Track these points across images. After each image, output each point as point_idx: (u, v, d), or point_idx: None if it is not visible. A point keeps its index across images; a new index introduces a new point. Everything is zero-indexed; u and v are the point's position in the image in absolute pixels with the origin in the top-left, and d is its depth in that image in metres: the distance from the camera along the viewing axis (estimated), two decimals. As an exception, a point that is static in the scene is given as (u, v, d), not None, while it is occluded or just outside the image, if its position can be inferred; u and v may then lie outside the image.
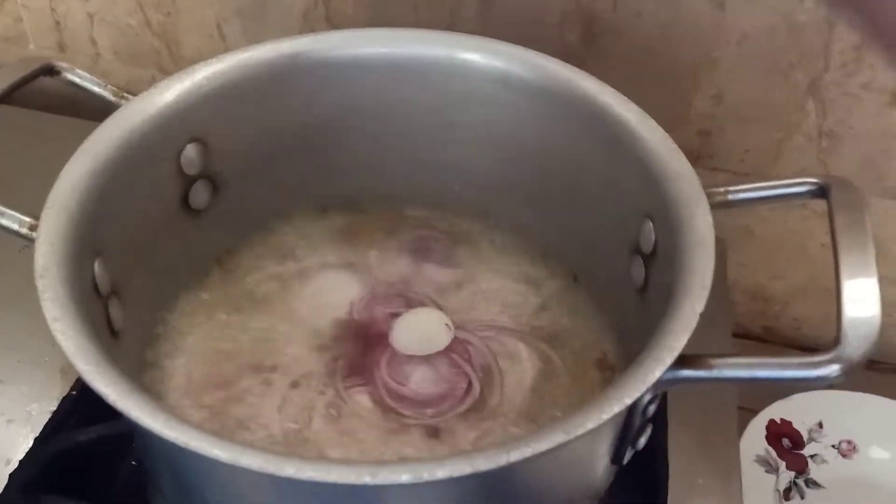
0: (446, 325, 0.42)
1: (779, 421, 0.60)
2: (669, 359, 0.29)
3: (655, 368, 0.28)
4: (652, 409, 0.32)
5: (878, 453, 0.60)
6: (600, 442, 0.32)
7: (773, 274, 0.65)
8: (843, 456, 0.60)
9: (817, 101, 0.55)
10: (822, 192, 0.34)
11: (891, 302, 0.62)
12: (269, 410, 0.40)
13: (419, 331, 0.42)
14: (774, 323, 0.68)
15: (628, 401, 0.27)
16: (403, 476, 0.25)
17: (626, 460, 0.34)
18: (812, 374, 0.29)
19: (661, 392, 0.31)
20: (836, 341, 0.29)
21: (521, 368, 0.42)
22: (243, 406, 0.40)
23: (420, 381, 0.40)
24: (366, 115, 0.45)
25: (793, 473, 0.59)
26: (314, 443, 0.38)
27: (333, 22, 0.59)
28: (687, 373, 0.30)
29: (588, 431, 0.27)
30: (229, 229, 0.45)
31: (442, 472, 0.25)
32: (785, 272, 0.65)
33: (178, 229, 0.42)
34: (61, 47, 0.67)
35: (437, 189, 0.47)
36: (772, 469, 0.58)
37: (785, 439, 0.60)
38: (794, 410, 0.60)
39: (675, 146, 0.38)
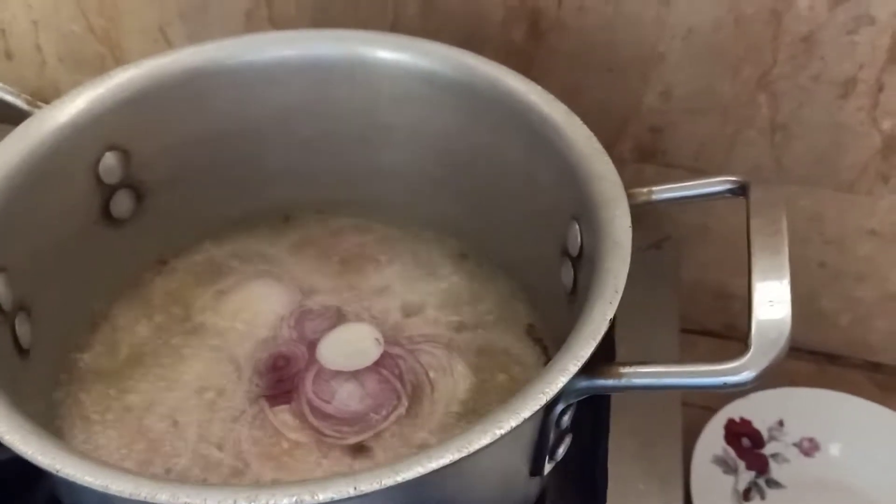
0: (376, 339, 0.41)
1: (738, 420, 0.59)
2: (574, 368, 0.28)
3: (558, 378, 0.27)
4: (566, 419, 0.31)
5: (839, 450, 0.59)
6: (510, 455, 0.31)
7: (732, 271, 0.64)
8: (805, 454, 0.59)
9: (768, 95, 0.54)
10: (742, 190, 0.33)
11: (851, 297, 0.62)
12: (191, 430, 0.39)
13: (347, 345, 0.41)
14: (737, 320, 0.67)
15: (526, 414, 0.26)
16: (283, 500, 0.24)
17: (546, 471, 0.33)
18: (722, 381, 0.27)
19: (575, 401, 0.30)
20: (746, 346, 0.28)
21: (453, 380, 0.41)
22: (163, 425, 0.39)
23: (346, 397, 0.39)
24: (294, 119, 0.44)
25: (753, 473, 0.58)
26: (241, 466, 0.37)
27: (276, 23, 0.58)
28: (595, 382, 0.29)
29: (484, 447, 0.26)
30: (156, 240, 0.44)
31: (323, 494, 0.24)
32: (745, 269, 0.64)
33: (98, 240, 0.41)
34: (8, 55, 0.66)
35: (368, 194, 0.46)
36: (730, 469, 0.57)
37: (744, 438, 0.59)
38: (754, 409, 0.59)
39: (599, 146, 0.37)
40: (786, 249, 0.29)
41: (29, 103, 0.40)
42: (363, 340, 0.42)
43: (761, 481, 0.58)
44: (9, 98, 0.40)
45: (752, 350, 0.27)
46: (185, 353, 0.42)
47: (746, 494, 0.57)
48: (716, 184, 0.34)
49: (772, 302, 0.28)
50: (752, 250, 0.30)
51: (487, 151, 0.41)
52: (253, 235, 0.48)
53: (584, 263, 0.36)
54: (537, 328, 0.43)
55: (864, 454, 0.58)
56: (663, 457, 0.43)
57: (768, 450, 0.59)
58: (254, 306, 0.44)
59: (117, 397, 0.40)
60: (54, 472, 0.24)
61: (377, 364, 0.41)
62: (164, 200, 0.44)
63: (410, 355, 0.41)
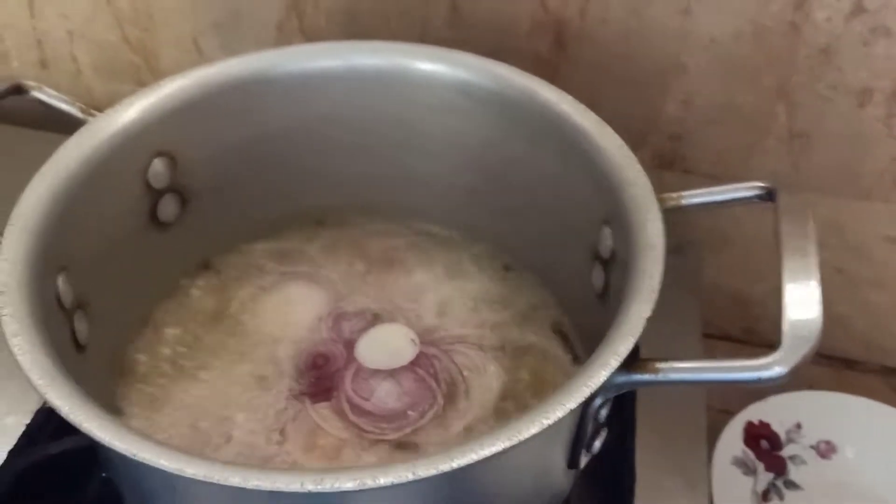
0: (411, 339, 0.43)
1: (756, 422, 0.60)
2: (615, 363, 0.29)
3: (599, 372, 0.29)
4: (604, 413, 0.32)
5: (855, 453, 0.60)
6: (551, 446, 0.32)
7: (751, 277, 0.65)
8: (822, 457, 0.60)
9: (787, 104, 0.55)
10: (769, 195, 0.35)
11: (869, 302, 0.64)
12: (237, 426, 0.40)
13: (384, 345, 0.43)
14: (756, 325, 0.68)
15: (572, 405, 0.28)
16: (348, 483, 0.25)
17: (582, 464, 0.35)
18: (756, 376, 0.29)
19: (613, 396, 0.32)
20: (777, 344, 0.29)
21: (486, 379, 0.42)
22: (209, 420, 0.40)
23: (384, 395, 0.41)
24: (331, 127, 0.46)
25: (771, 475, 0.59)
26: (287, 458, 0.39)
27: (308, 34, 0.60)
28: (633, 377, 0.30)
29: (532, 437, 0.27)
30: (198, 243, 0.46)
31: (384, 479, 0.25)
32: (764, 275, 0.65)
33: (146, 242, 0.43)
34: (43, 64, 0.68)
35: (402, 200, 0.48)
36: (749, 471, 0.59)
37: (763, 441, 0.60)
38: (772, 412, 0.60)
39: (630, 154, 0.38)
40: (815, 252, 0.31)
41: (83, 111, 0.41)
42: (399, 340, 0.43)
43: (779, 483, 0.59)
44: (63, 106, 0.42)
45: (784, 347, 0.29)
46: (227, 351, 0.44)
47: (765, 495, 0.58)
48: (744, 189, 0.36)
49: (802, 302, 0.30)
50: (783, 253, 0.31)
51: (520, 159, 0.43)
52: (289, 238, 0.49)
53: (615, 266, 0.38)
54: (565, 328, 0.45)
55: (880, 457, 0.59)
56: (688, 455, 0.44)
57: (786, 452, 0.60)
58: (292, 307, 0.46)
59: (163, 393, 0.41)
60: (131, 456, 0.26)
61: (413, 363, 0.42)
62: (206, 204, 0.45)
63: (445, 355, 0.43)
